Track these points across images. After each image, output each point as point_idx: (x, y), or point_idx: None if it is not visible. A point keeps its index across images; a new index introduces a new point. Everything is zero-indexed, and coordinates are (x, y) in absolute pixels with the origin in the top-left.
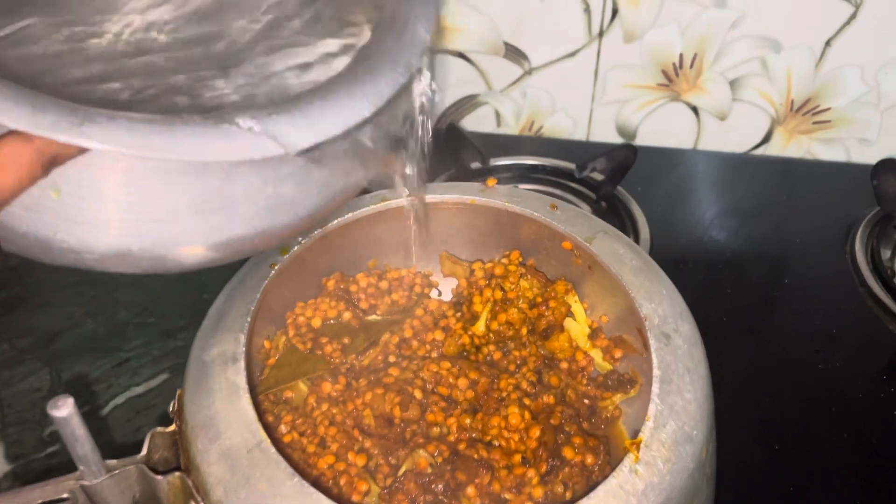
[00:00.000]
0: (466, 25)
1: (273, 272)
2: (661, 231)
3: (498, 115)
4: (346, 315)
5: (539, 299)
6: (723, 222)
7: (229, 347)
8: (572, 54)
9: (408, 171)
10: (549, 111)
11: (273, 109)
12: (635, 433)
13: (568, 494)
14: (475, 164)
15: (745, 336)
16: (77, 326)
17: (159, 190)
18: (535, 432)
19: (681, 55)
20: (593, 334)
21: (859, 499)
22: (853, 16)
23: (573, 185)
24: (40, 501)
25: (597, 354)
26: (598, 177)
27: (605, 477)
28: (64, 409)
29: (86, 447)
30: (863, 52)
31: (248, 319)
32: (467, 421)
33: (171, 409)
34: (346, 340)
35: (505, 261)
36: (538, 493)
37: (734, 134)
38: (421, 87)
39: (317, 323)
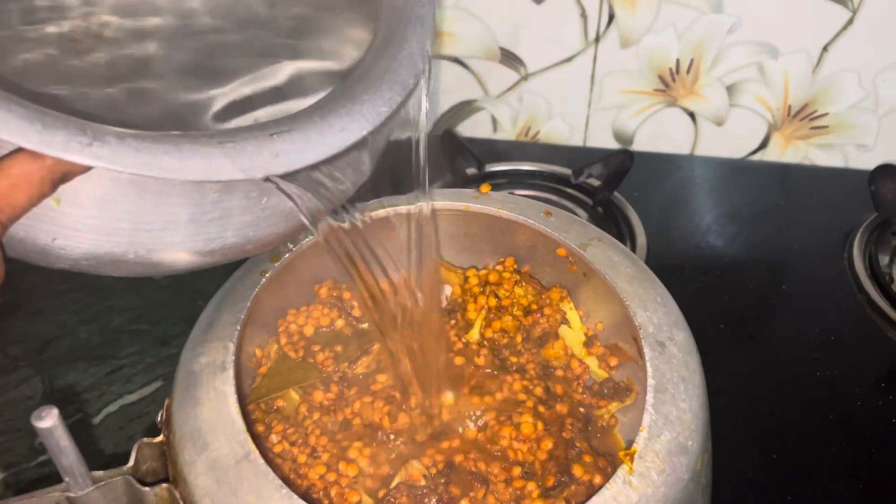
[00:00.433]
0: (462, 30)
1: (264, 280)
2: (657, 237)
3: (494, 121)
4: (339, 323)
5: (534, 306)
6: (720, 228)
7: (218, 356)
8: (569, 60)
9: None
10: (546, 117)
11: (274, 129)
12: (629, 443)
13: None
14: (471, 170)
15: (742, 342)
16: (70, 334)
17: (159, 201)
18: (548, 444)
19: (677, 60)
20: (589, 342)
21: None
22: (850, 21)
23: (570, 190)
24: None
25: (592, 362)
26: (595, 182)
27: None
28: (48, 420)
29: (71, 458)
30: (860, 58)
31: (238, 328)
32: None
33: (159, 419)
34: (338, 349)
35: (499, 268)
36: None
37: (731, 139)
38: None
39: (309, 331)
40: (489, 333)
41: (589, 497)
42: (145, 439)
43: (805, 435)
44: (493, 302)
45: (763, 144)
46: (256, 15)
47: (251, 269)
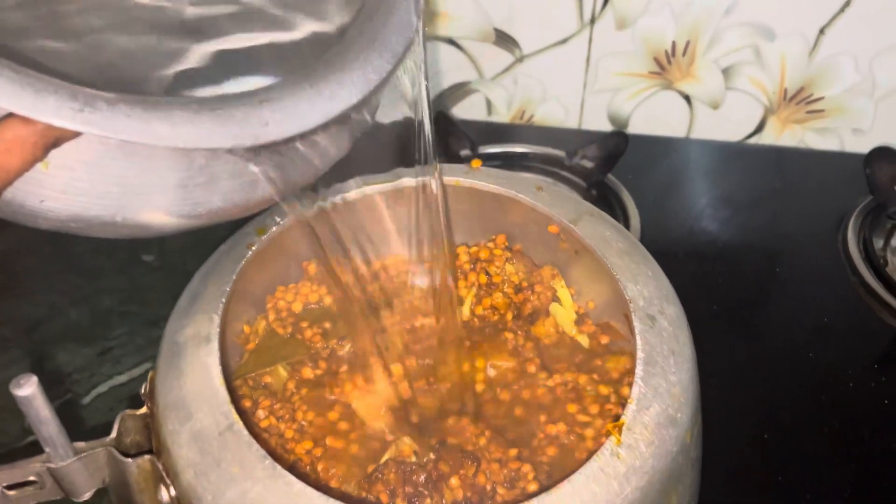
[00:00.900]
0: (456, 11)
1: (250, 253)
2: (652, 220)
3: (489, 103)
4: (328, 300)
5: (525, 284)
6: (715, 212)
7: (203, 328)
8: (564, 41)
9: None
10: (541, 99)
11: (263, 97)
12: (617, 417)
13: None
14: (465, 152)
15: (735, 325)
16: (60, 315)
17: (148, 165)
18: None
19: (673, 43)
20: (580, 320)
21: (849, 489)
22: (847, 3)
23: (563, 173)
24: (6, 484)
25: (583, 340)
26: (589, 165)
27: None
28: (27, 388)
29: (51, 428)
30: (857, 41)
31: (223, 300)
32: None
33: (142, 390)
34: (327, 325)
35: (490, 245)
36: (532, 488)
37: (727, 123)
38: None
39: (297, 307)
40: (479, 311)
41: (576, 469)
42: (128, 411)
43: (797, 417)
44: (483, 279)
45: (759, 128)
46: None
47: (237, 242)
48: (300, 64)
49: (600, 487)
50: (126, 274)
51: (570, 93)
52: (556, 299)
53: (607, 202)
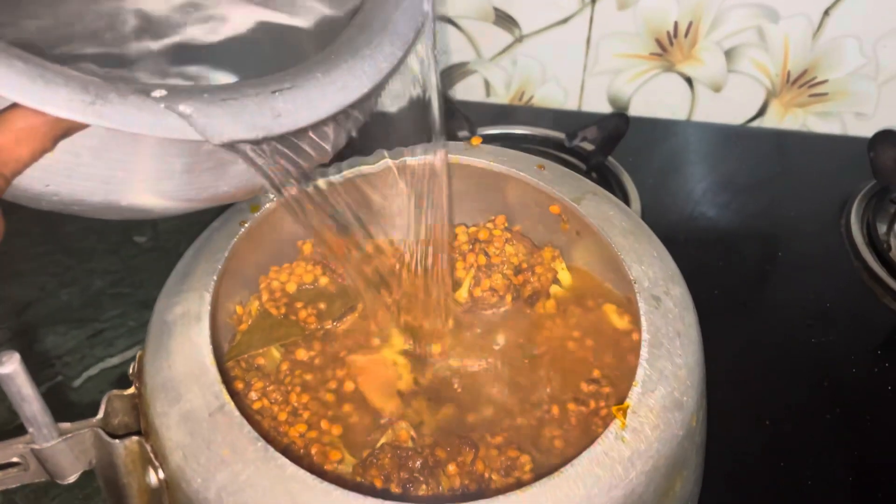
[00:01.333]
0: None
1: (242, 230)
2: (652, 203)
3: (487, 85)
4: (323, 280)
5: (524, 265)
6: (716, 195)
7: (193, 307)
8: (564, 21)
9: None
10: (540, 81)
11: (276, 87)
12: (621, 400)
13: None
14: (463, 133)
15: (737, 310)
16: (50, 297)
17: (155, 152)
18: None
19: (675, 23)
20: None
21: (851, 474)
22: None
23: (563, 155)
24: None
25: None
26: (589, 147)
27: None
28: (8, 366)
29: (34, 407)
30: (862, 23)
31: (214, 278)
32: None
33: (130, 370)
34: (322, 306)
35: (490, 225)
36: (528, 478)
37: (729, 106)
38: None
39: (292, 288)
40: (478, 292)
41: (580, 452)
42: (115, 391)
43: (799, 402)
44: (482, 260)
45: (761, 111)
46: None
47: (230, 219)
48: (296, 48)
49: (604, 471)
50: (118, 255)
51: (570, 74)
52: (556, 281)
53: (607, 185)
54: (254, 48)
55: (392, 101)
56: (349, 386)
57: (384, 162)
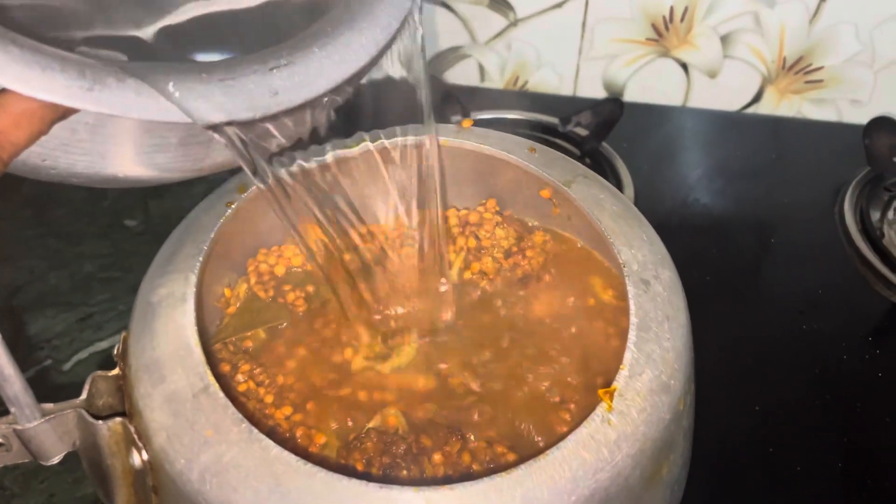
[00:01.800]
0: None
1: (230, 211)
2: (646, 189)
3: (482, 69)
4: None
5: (515, 249)
6: (710, 181)
7: (178, 288)
8: (559, 5)
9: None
10: (535, 65)
11: (273, 63)
12: (609, 383)
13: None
14: (455, 118)
15: (729, 297)
16: (39, 280)
17: (151, 126)
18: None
19: (671, 8)
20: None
21: (840, 460)
22: None
23: (557, 140)
24: None
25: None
26: (583, 132)
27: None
28: None
29: (16, 387)
30: (858, 10)
31: (200, 259)
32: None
33: (115, 351)
34: (310, 289)
35: (480, 209)
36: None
37: (724, 92)
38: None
39: (280, 271)
40: (468, 275)
41: (566, 435)
42: (99, 372)
43: (790, 388)
44: (472, 243)
45: (756, 98)
46: None
47: (216, 200)
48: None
49: (590, 454)
50: (108, 239)
51: (565, 59)
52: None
53: (601, 170)
54: (244, 21)
55: (374, 79)
56: (337, 370)
57: (364, 145)
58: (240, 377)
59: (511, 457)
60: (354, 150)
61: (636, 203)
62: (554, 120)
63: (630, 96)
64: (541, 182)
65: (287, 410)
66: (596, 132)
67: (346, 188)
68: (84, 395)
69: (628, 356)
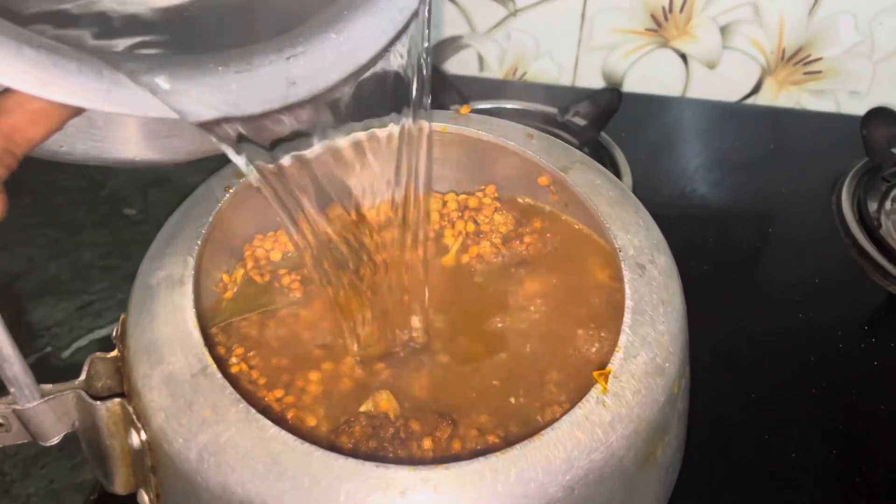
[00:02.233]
0: None
1: (227, 196)
2: (644, 179)
3: (481, 59)
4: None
5: (513, 234)
6: (709, 172)
7: (176, 270)
8: None
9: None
10: (534, 56)
11: (290, 52)
12: (604, 366)
13: None
14: (454, 107)
15: (727, 286)
16: (39, 269)
17: (167, 114)
18: None
19: None
20: None
21: (836, 448)
22: None
23: (555, 130)
24: None
25: None
26: (582, 122)
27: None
28: None
29: (15, 367)
30: (857, 0)
31: (198, 242)
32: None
33: (114, 333)
34: (305, 273)
35: (479, 194)
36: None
37: (723, 83)
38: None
39: (276, 256)
40: (465, 259)
41: (561, 416)
42: (98, 353)
43: (785, 376)
44: (471, 228)
45: (755, 89)
46: None
47: (215, 185)
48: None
49: (584, 434)
50: (107, 227)
51: (564, 49)
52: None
53: (599, 160)
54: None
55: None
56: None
57: (355, 135)
58: (233, 360)
59: (497, 443)
60: (345, 141)
61: (634, 193)
62: (553, 110)
63: (629, 87)
64: (539, 168)
65: (278, 393)
66: (594, 122)
67: (336, 179)
68: (83, 377)
69: (623, 339)
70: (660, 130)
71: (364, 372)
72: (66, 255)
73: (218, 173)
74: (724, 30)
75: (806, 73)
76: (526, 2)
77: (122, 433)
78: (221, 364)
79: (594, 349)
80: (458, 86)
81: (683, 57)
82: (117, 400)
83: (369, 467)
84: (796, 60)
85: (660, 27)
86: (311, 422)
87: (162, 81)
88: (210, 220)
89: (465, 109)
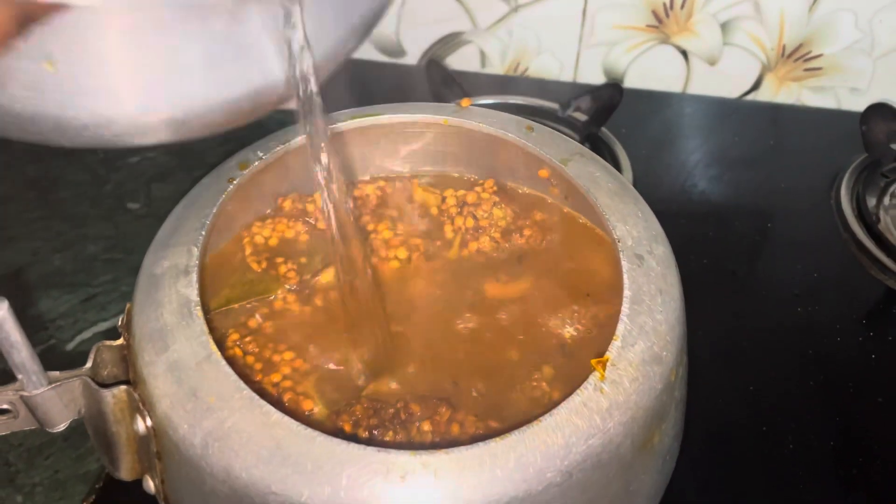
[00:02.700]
0: None
1: (231, 187)
2: (645, 175)
3: (483, 55)
4: (304, 236)
5: (513, 228)
6: (709, 168)
7: (181, 260)
8: None
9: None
10: (535, 52)
11: None
12: (601, 354)
13: None
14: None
15: (726, 280)
16: (43, 262)
17: (164, 45)
18: None
19: None
20: None
21: (833, 441)
22: None
23: (556, 125)
24: None
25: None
26: (582, 117)
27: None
28: None
29: (23, 354)
30: None
31: (203, 233)
32: None
33: (119, 322)
34: (303, 260)
35: (478, 189)
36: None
37: (724, 79)
38: None
39: (273, 242)
40: (465, 254)
41: (558, 403)
42: (105, 342)
43: (784, 370)
44: (470, 223)
45: (756, 85)
46: None
47: (218, 176)
48: None
49: (582, 421)
50: (111, 221)
51: (565, 45)
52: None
53: (600, 155)
54: None
55: None
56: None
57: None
58: (229, 344)
59: (495, 430)
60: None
61: (635, 188)
62: (553, 105)
63: (630, 83)
64: (539, 160)
65: (275, 377)
66: (595, 117)
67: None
68: (89, 364)
69: (621, 328)
70: (660, 126)
71: (360, 360)
72: (70, 248)
73: (222, 165)
74: (724, 26)
75: (806, 70)
76: None
77: (127, 420)
78: (220, 350)
79: (591, 337)
80: (460, 81)
81: (684, 53)
82: (123, 387)
83: (371, 452)
84: (797, 57)
85: (661, 23)
86: (308, 406)
87: None
88: (214, 210)
89: (465, 102)
